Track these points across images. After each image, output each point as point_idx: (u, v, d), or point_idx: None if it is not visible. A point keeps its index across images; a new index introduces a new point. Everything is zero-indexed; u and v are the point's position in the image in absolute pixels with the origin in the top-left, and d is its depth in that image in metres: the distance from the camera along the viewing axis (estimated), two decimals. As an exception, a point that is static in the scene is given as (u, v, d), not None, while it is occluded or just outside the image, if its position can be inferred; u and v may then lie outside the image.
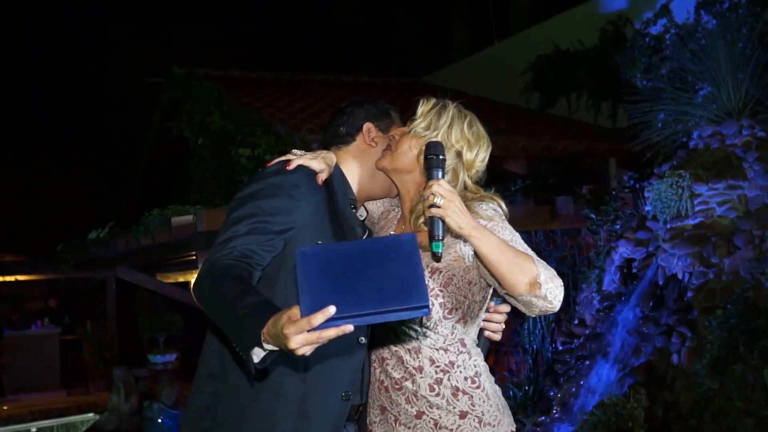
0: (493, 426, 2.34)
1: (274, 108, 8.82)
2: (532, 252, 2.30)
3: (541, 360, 7.63)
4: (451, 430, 2.30)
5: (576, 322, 7.20)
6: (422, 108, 2.51)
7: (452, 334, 2.33)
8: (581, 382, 6.67)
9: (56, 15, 23.24)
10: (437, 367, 2.31)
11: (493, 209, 2.39)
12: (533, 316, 2.30)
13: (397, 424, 2.31)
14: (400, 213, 2.57)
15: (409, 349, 2.31)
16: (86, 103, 23.54)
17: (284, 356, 1.92)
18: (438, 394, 2.30)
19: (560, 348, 7.21)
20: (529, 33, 12.20)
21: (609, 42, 9.82)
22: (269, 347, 1.84)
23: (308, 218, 2.18)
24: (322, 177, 2.30)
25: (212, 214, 6.50)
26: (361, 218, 2.55)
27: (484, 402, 2.34)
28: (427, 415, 2.29)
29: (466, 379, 2.33)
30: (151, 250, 9.14)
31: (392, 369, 2.32)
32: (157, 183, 11.90)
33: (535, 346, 7.68)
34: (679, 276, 6.29)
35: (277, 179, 2.21)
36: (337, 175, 2.42)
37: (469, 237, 2.15)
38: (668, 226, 6.58)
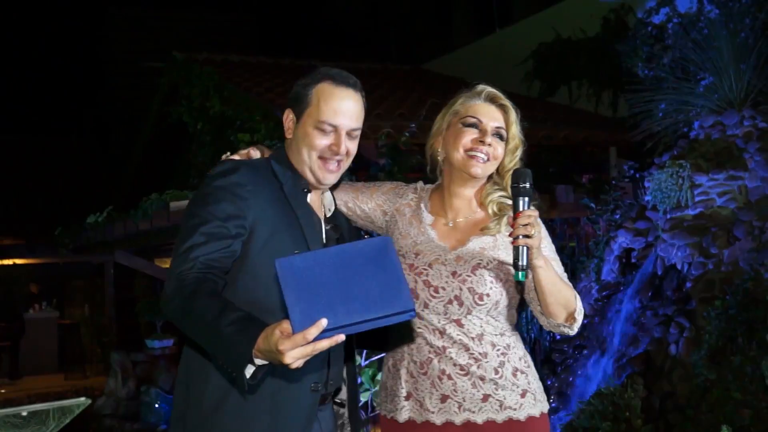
0: (542, 402, 2.51)
1: (273, 93, 8.82)
2: (566, 276, 2.50)
3: (539, 349, 7.65)
4: (515, 409, 2.42)
5: (574, 311, 7.21)
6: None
7: (507, 320, 2.50)
8: (579, 372, 6.69)
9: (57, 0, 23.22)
10: (498, 350, 2.43)
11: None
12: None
13: (461, 410, 2.38)
14: (426, 203, 2.60)
15: (473, 337, 2.41)
16: (86, 88, 23.52)
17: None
18: (501, 376, 2.41)
19: (558, 337, 7.23)
20: (530, 21, 12.22)
21: (611, 31, 9.86)
22: (260, 362, 1.88)
23: (260, 214, 2.18)
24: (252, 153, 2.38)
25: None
26: (330, 208, 2.46)
27: (535, 379, 2.52)
28: (493, 397, 2.39)
29: (520, 359, 2.48)
30: (150, 235, 9.17)
31: (456, 356, 2.40)
32: (156, 167, 11.90)
33: (532, 335, 7.70)
34: (678, 266, 6.29)
35: (222, 182, 2.20)
36: (280, 163, 2.36)
37: (538, 267, 2.26)
38: (668, 216, 6.58)
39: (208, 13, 23.52)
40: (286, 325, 1.78)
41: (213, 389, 2.16)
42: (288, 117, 2.38)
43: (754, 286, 5.47)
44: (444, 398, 2.39)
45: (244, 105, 8.96)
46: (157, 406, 9.65)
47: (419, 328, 2.42)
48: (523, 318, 7.68)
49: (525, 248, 2.18)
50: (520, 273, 2.19)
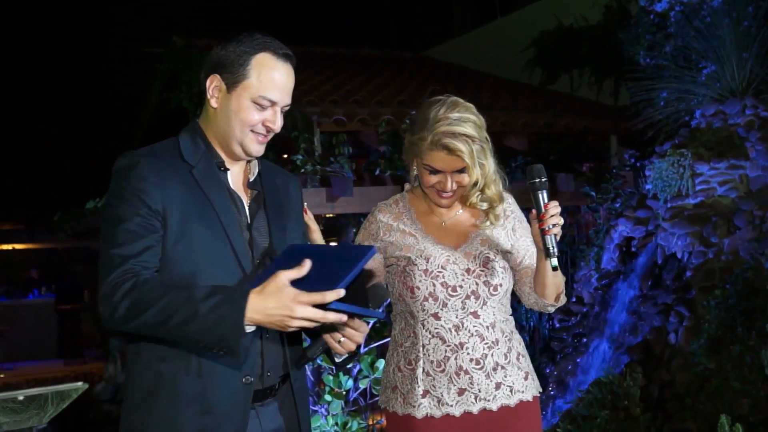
0: (537, 382, 2.67)
1: (273, 80, 8.79)
2: None
3: (538, 337, 7.67)
4: (522, 392, 2.57)
5: (573, 299, 7.23)
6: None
7: (508, 305, 2.65)
8: (578, 360, 6.72)
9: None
10: (506, 336, 2.58)
11: (515, 206, 2.73)
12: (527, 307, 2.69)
13: (477, 400, 2.50)
14: (410, 212, 2.66)
15: (487, 326, 2.54)
16: (85, 73, 23.44)
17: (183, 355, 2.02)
18: (509, 362, 2.56)
19: (557, 325, 7.25)
20: (532, 8, 12.16)
21: (613, 18, 9.83)
22: (249, 329, 1.89)
23: (169, 204, 2.07)
24: None
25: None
26: (254, 171, 2.30)
27: (530, 361, 2.68)
28: (504, 384, 2.53)
29: (519, 343, 2.65)
30: (149, 221, 9.16)
31: (472, 351, 2.51)
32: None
33: (532, 323, 7.72)
34: (679, 255, 6.32)
35: (126, 179, 2.08)
36: (187, 142, 2.20)
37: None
38: (668, 205, 6.60)
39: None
40: (285, 274, 1.86)
41: (143, 386, 2.10)
42: (214, 84, 2.17)
43: (755, 276, 5.49)
44: (461, 391, 2.50)
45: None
46: (155, 391, 9.67)
47: (436, 329, 2.52)
48: (522, 306, 7.70)
49: (554, 236, 2.31)
50: (554, 259, 2.33)
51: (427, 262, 2.51)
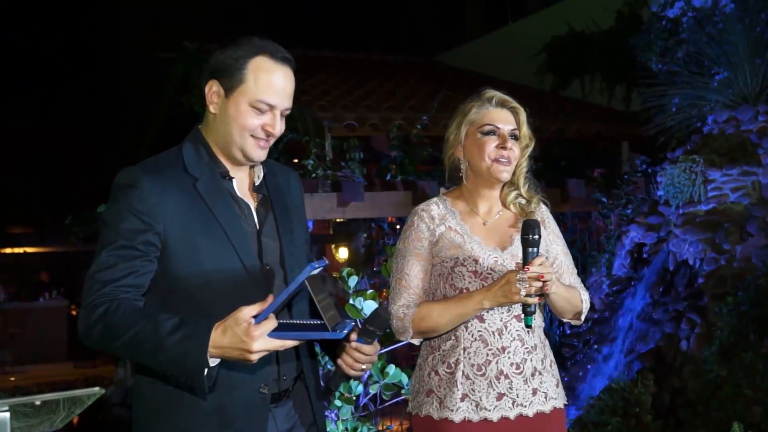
0: (563, 390, 2.70)
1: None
2: (575, 270, 2.76)
3: (549, 343, 7.66)
4: (555, 398, 2.61)
5: (585, 306, 7.23)
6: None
7: (542, 310, 2.70)
8: (589, 367, 6.72)
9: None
10: (542, 341, 2.62)
11: (548, 213, 2.76)
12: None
13: (515, 406, 2.51)
14: (453, 212, 2.66)
15: (528, 331, 2.56)
16: (98, 77, 23.63)
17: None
18: (545, 368, 2.59)
19: (568, 332, 7.25)
20: (544, 14, 12.21)
21: (625, 24, 9.86)
22: (213, 362, 1.91)
23: (169, 223, 2.06)
24: None
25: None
26: (260, 175, 2.29)
27: (558, 368, 2.71)
28: (539, 390, 2.56)
29: (550, 351, 2.68)
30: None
31: (513, 355, 2.52)
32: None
33: (543, 329, 7.72)
34: (690, 262, 6.31)
35: (126, 197, 2.07)
36: (191, 153, 2.18)
37: (552, 294, 2.45)
38: (680, 211, 6.60)
39: (219, 4, 23.59)
40: (246, 310, 1.86)
41: (160, 398, 2.11)
42: (211, 89, 2.15)
43: (767, 283, 5.48)
44: (500, 396, 2.50)
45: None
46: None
47: (479, 331, 2.52)
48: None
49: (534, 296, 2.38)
50: (529, 319, 2.44)
51: (476, 264, 2.52)
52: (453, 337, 2.53)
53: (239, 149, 2.16)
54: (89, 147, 18.69)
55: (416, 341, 2.60)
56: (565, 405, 2.67)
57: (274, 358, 2.13)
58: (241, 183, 2.23)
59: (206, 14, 22.70)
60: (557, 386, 2.62)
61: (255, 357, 1.87)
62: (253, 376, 2.08)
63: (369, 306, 4.20)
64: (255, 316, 1.86)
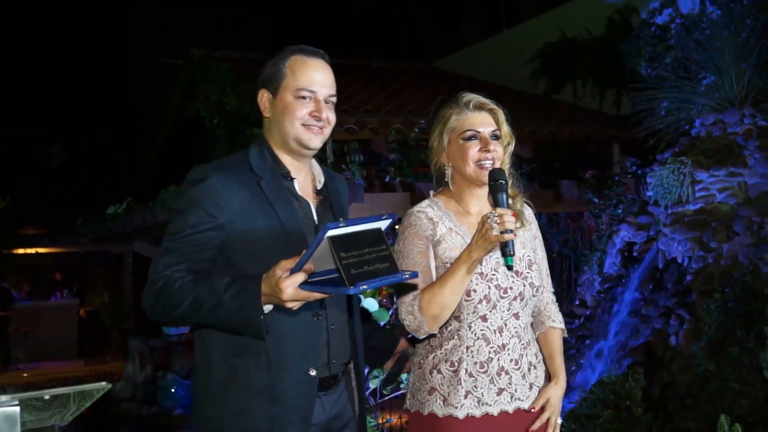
0: None
1: (287, 90, 8.88)
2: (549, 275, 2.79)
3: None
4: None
5: (577, 303, 7.28)
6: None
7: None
8: (581, 361, 6.75)
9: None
10: (533, 337, 2.65)
11: (531, 213, 2.73)
12: None
13: (513, 400, 2.53)
14: (448, 214, 2.66)
15: (523, 327, 2.58)
16: (108, 83, 23.68)
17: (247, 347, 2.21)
18: (539, 361, 2.63)
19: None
20: (537, 21, 12.24)
21: (615, 31, 9.88)
22: (267, 308, 2.09)
23: (234, 217, 2.25)
24: None
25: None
26: (321, 180, 2.48)
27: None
28: (535, 384, 2.59)
29: (538, 347, 2.69)
30: (167, 225, 9.29)
31: (512, 351, 2.54)
32: (174, 160, 12.00)
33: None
34: (679, 260, 6.37)
35: (194, 191, 2.26)
36: (256, 155, 2.38)
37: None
38: (669, 211, 6.65)
39: (225, 12, 23.63)
40: (284, 263, 2.01)
41: (218, 379, 2.29)
42: (263, 97, 2.38)
43: (753, 280, 5.56)
44: (500, 391, 2.52)
45: (259, 101, 9.02)
46: (173, 390, 9.78)
47: (482, 330, 2.52)
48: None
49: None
50: (509, 258, 2.35)
51: (481, 265, 2.49)
52: (456, 337, 2.52)
53: (294, 139, 2.35)
54: (99, 151, 18.77)
55: (434, 330, 2.50)
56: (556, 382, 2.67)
57: (325, 341, 2.33)
58: (303, 184, 2.42)
59: (212, 22, 22.78)
60: (547, 380, 2.64)
61: (290, 305, 2.03)
62: (303, 359, 2.26)
63: (369, 303, 4.29)
64: (292, 269, 2.01)
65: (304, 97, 2.34)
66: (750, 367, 5.13)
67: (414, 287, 2.50)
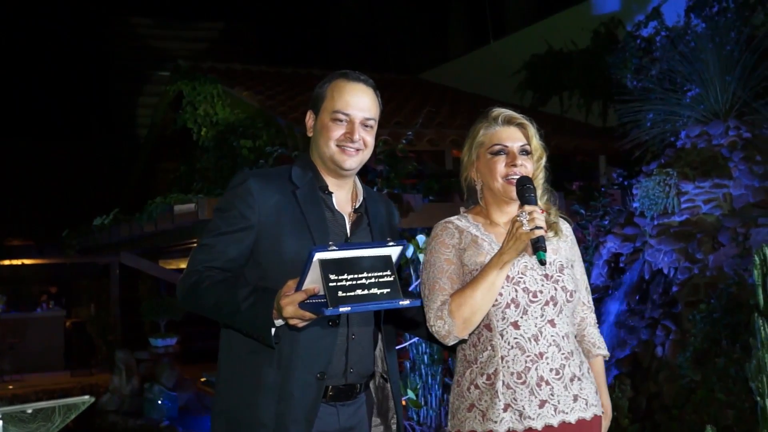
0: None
1: (275, 101, 8.94)
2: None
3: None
4: (595, 405, 2.54)
5: (564, 313, 7.26)
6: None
7: (574, 317, 2.65)
8: (569, 372, 6.72)
9: (63, 9, 23.38)
10: (577, 348, 2.58)
11: (569, 228, 2.71)
12: None
13: (557, 412, 2.44)
14: (477, 226, 2.64)
15: (563, 336, 2.51)
16: (94, 94, 23.65)
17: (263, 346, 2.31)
18: (583, 374, 2.54)
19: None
20: (523, 33, 12.31)
21: (601, 43, 9.94)
22: (279, 323, 2.21)
23: (264, 219, 2.37)
24: None
25: (214, 203, 6.66)
26: (357, 203, 2.56)
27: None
28: (580, 396, 2.49)
29: (584, 356, 2.64)
30: (154, 237, 9.29)
31: (552, 360, 2.46)
32: (161, 172, 12.01)
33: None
34: (665, 271, 6.38)
35: (234, 194, 2.42)
36: (303, 167, 2.51)
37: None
38: (655, 222, 6.66)
39: (213, 24, 23.67)
40: (290, 282, 2.14)
41: (234, 373, 2.43)
42: (309, 117, 2.55)
43: (738, 291, 5.58)
44: (542, 403, 2.43)
45: (246, 112, 9.10)
46: (159, 402, 9.78)
47: (515, 338, 2.45)
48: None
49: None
50: (541, 252, 2.33)
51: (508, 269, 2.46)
52: (489, 347, 2.47)
53: (329, 158, 2.47)
54: (85, 163, 18.77)
55: (464, 335, 2.47)
56: (603, 412, 2.60)
57: (343, 350, 2.41)
58: (341, 200, 2.53)
59: (200, 35, 22.81)
60: (596, 393, 2.55)
61: (292, 321, 2.17)
62: (312, 363, 2.35)
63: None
64: (296, 288, 2.13)
65: (340, 120, 2.45)
66: (736, 377, 5.14)
67: (441, 294, 2.48)
